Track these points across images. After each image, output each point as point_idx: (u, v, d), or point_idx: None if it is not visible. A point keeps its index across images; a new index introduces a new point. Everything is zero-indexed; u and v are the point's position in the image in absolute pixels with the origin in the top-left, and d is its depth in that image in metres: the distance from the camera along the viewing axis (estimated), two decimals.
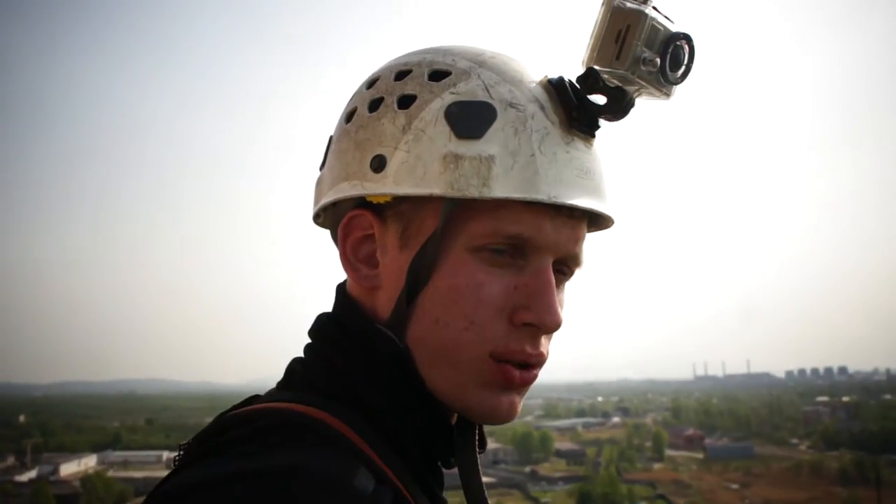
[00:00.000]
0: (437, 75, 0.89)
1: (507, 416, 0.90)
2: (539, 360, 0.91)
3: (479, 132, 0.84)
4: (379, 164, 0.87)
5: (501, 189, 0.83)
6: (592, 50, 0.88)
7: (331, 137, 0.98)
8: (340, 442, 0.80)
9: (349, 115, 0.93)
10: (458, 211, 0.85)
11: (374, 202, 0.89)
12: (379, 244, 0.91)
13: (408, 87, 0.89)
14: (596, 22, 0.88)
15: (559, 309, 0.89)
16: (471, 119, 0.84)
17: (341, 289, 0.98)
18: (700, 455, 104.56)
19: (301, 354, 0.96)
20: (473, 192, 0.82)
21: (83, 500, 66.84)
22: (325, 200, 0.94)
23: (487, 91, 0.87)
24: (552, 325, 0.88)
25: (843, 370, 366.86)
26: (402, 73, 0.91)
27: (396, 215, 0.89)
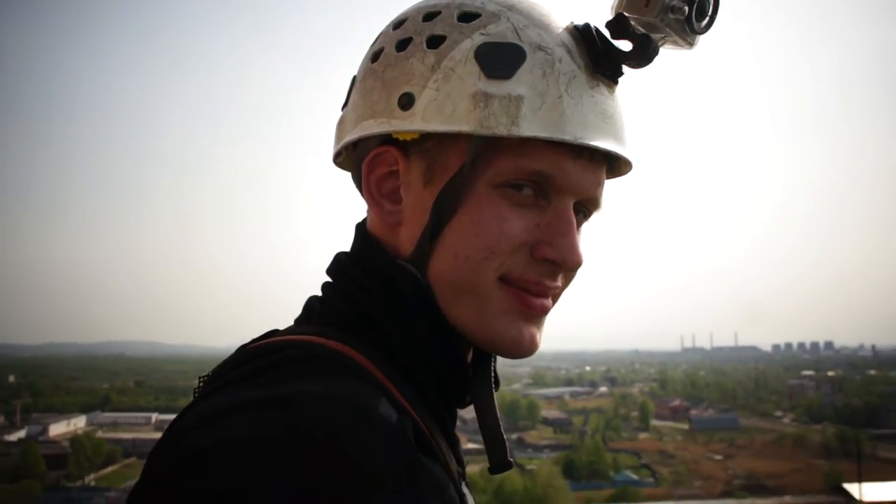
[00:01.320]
0: (467, 17, 0.90)
1: (528, 347, 0.92)
2: (555, 293, 0.95)
3: (509, 72, 0.86)
4: (407, 101, 0.88)
5: (529, 128, 0.84)
6: None
7: (354, 78, 0.98)
8: (362, 373, 0.80)
9: (375, 55, 0.94)
10: (484, 148, 0.87)
11: (401, 139, 0.90)
12: (403, 181, 0.92)
13: (437, 27, 0.90)
14: None
15: (580, 248, 0.91)
16: (501, 59, 0.86)
17: (361, 227, 0.99)
18: (685, 426, 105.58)
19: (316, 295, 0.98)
20: (502, 131, 0.84)
21: (72, 461, 67.21)
22: (349, 138, 0.94)
23: (517, 33, 0.89)
24: (573, 262, 0.90)
25: (829, 345, 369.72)
26: (430, 14, 0.92)
27: (421, 152, 0.91)
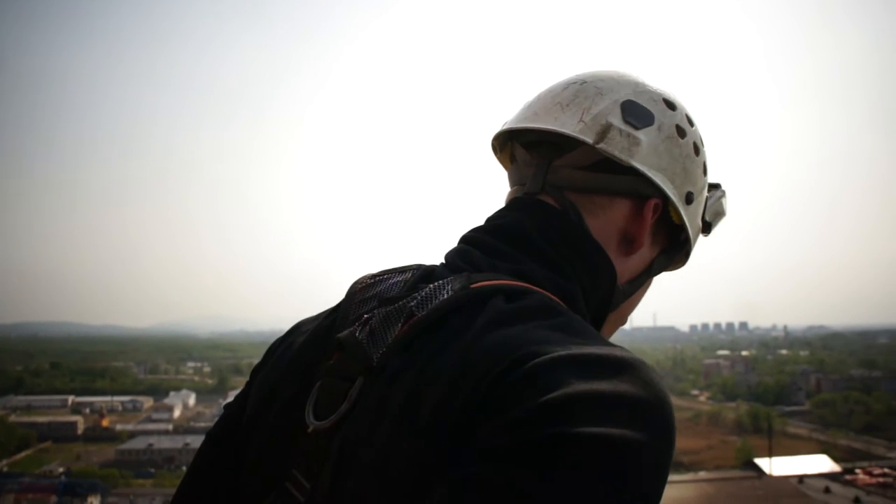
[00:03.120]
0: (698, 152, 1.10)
1: None
2: None
3: (707, 231, 1.17)
4: (690, 199, 1.06)
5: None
6: None
7: (653, 114, 1.05)
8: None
9: (682, 133, 1.07)
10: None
11: (670, 214, 1.06)
12: (646, 231, 1.06)
13: (705, 158, 1.12)
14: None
15: None
16: (713, 222, 1.17)
17: (580, 222, 1.02)
18: None
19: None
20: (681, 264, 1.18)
21: None
22: (653, 176, 1.02)
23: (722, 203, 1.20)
24: None
25: (743, 326, 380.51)
26: (700, 139, 1.11)
27: (659, 220, 1.06)
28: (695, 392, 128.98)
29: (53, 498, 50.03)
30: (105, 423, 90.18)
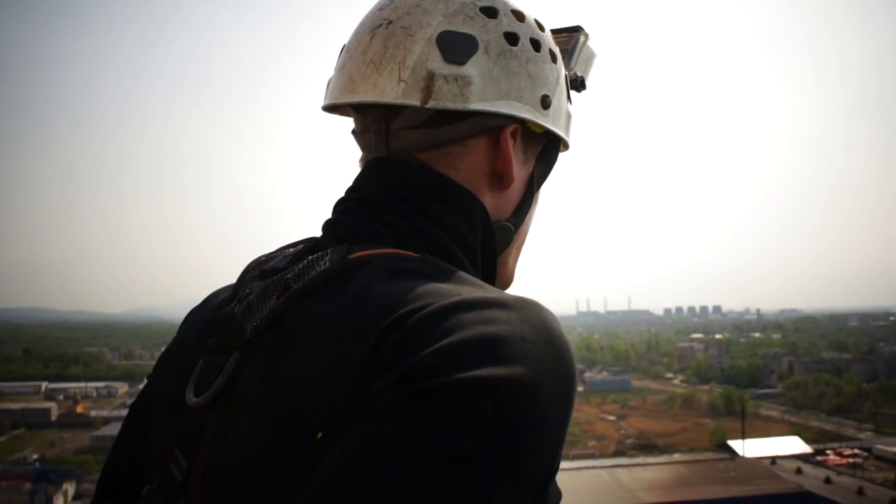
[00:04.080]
0: (553, 57, 1.04)
1: None
2: None
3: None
4: (545, 103, 1.00)
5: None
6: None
7: (474, 37, 0.96)
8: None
9: (512, 38, 0.98)
10: (553, 154, 1.08)
11: (531, 128, 1.01)
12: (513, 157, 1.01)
13: (550, 43, 1.04)
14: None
15: None
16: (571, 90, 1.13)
17: (436, 172, 0.98)
18: (580, 388, 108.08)
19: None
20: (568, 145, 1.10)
21: None
22: (496, 109, 0.96)
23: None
24: None
25: (717, 309, 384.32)
26: (539, 24, 1.03)
27: (524, 140, 1.02)
28: (669, 375, 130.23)
29: (27, 485, 49.54)
30: (79, 409, 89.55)
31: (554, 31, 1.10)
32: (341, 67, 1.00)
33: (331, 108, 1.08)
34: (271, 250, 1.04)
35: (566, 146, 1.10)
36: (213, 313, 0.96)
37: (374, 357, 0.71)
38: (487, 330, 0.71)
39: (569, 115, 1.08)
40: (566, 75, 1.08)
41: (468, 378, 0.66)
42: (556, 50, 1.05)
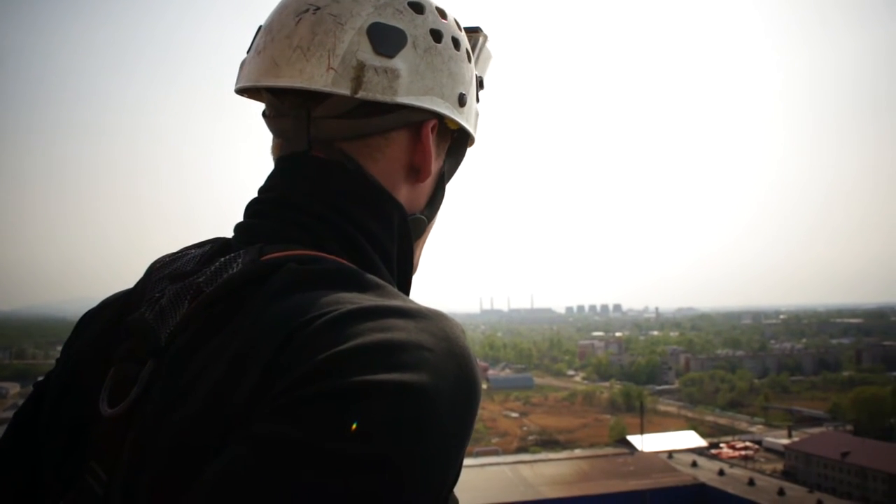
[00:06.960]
0: (469, 55, 1.08)
1: None
2: None
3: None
4: (461, 101, 1.03)
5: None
6: None
7: (403, 32, 0.97)
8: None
9: (437, 35, 1.00)
10: (462, 150, 1.13)
11: (448, 124, 1.04)
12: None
13: (467, 43, 1.08)
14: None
15: None
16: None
17: (343, 167, 0.98)
18: (483, 385, 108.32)
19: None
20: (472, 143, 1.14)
21: None
22: (419, 104, 0.98)
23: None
24: None
25: (617, 307, 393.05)
26: (457, 24, 1.06)
27: (439, 135, 1.05)
28: (570, 372, 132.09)
29: None
30: None
31: None
32: (262, 49, 0.97)
33: (243, 91, 1.05)
34: (174, 251, 1.02)
35: (472, 142, 1.13)
36: (118, 317, 0.93)
37: (274, 363, 0.71)
38: (384, 336, 0.71)
39: (477, 114, 1.11)
40: (476, 75, 1.11)
41: (361, 382, 0.66)
42: (471, 50, 1.08)
